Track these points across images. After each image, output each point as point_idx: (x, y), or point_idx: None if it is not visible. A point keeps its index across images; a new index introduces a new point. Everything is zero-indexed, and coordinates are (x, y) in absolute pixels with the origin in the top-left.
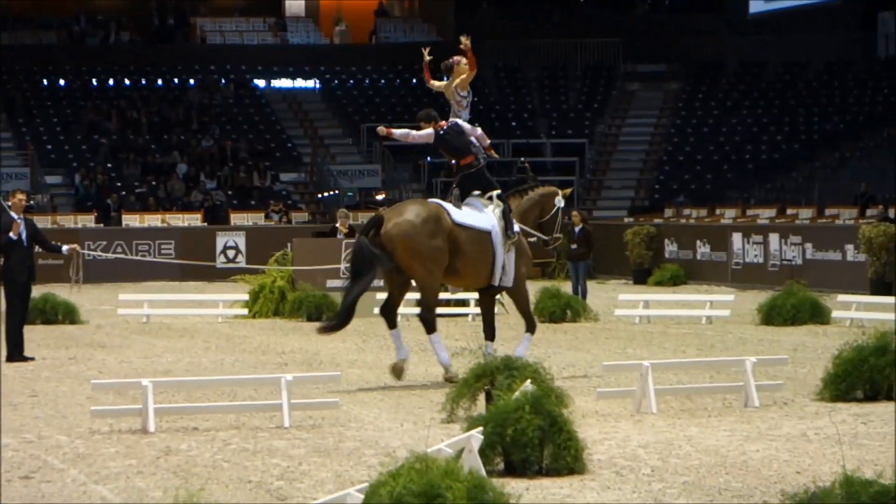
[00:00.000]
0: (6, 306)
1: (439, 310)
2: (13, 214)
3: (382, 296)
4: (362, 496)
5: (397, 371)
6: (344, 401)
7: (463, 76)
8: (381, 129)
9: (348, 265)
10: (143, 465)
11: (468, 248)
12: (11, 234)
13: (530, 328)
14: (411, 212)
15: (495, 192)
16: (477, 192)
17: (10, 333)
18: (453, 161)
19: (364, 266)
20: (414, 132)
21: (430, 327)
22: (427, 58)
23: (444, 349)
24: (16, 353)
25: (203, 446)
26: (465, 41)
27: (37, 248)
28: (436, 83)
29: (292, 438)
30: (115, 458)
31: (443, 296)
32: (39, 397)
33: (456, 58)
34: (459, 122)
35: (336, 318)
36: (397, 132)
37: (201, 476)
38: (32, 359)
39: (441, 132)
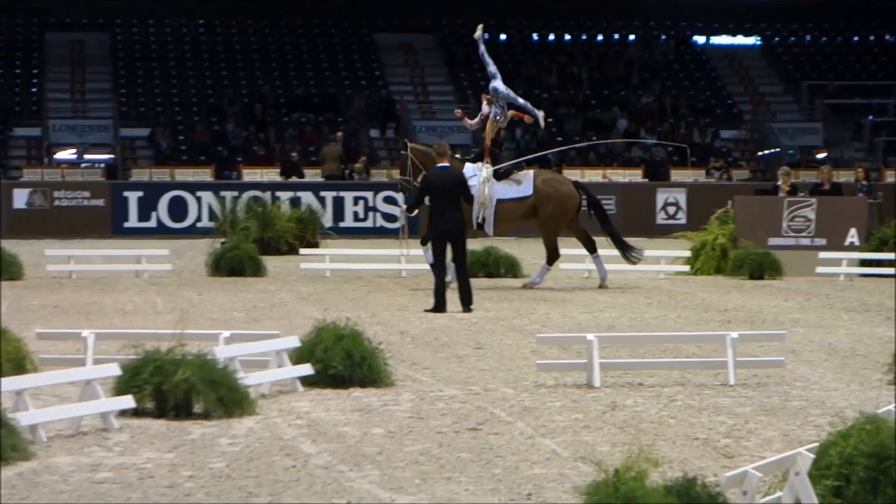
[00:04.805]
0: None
1: None
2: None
3: (826, 255)
4: (813, 456)
5: None
6: (788, 360)
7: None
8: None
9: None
10: (590, 419)
11: None
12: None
13: None
14: None
15: None
16: None
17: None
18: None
19: None
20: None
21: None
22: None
23: None
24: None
25: (648, 402)
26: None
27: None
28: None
29: (737, 396)
30: (561, 412)
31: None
32: (484, 350)
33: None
34: None
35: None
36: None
37: (648, 432)
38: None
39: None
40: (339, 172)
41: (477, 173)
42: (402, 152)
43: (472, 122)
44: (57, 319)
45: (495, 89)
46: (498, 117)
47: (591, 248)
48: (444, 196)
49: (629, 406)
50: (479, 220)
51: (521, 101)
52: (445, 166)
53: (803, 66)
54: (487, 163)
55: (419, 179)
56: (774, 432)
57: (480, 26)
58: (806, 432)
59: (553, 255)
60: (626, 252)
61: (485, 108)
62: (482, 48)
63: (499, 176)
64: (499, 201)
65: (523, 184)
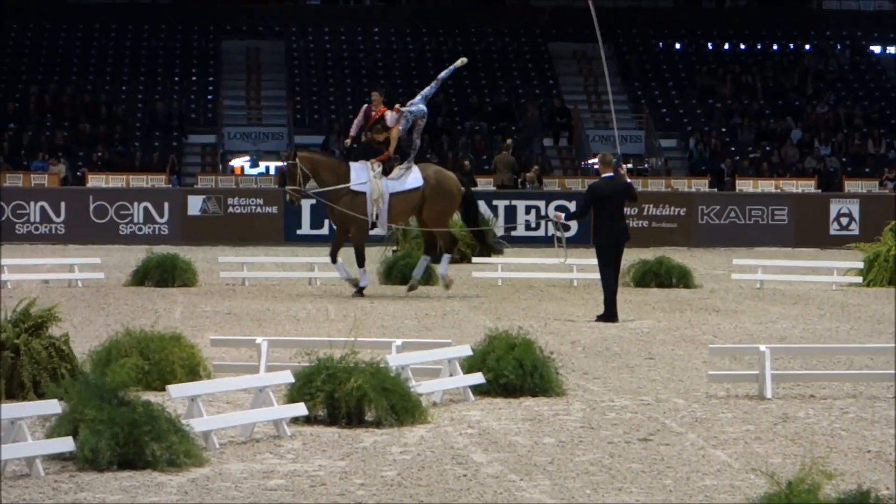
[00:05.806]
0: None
1: None
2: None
3: None
4: None
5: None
6: None
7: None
8: None
9: None
10: (761, 430)
11: None
12: None
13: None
14: None
15: None
16: None
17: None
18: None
19: None
20: None
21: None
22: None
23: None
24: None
25: (820, 414)
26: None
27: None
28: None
29: None
30: (732, 424)
31: None
32: (656, 360)
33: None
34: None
35: None
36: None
37: (820, 444)
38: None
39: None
40: (512, 182)
41: (366, 171)
42: (290, 161)
43: (358, 120)
44: (230, 326)
45: (423, 112)
46: (404, 129)
47: (430, 250)
48: (612, 204)
49: (801, 418)
50: (374, 219)
51: (436, 83)
52: (610, 176)
53: None
54: (376, 162)
55: (589, 188)
56: None
57: (463, 60)
58: None
59: (451, 243)
60: (487, 247)
61: (390, 115)
62: (445, 74)
63: (387, 171)
64: (392, 195)
65: (412, 176)
